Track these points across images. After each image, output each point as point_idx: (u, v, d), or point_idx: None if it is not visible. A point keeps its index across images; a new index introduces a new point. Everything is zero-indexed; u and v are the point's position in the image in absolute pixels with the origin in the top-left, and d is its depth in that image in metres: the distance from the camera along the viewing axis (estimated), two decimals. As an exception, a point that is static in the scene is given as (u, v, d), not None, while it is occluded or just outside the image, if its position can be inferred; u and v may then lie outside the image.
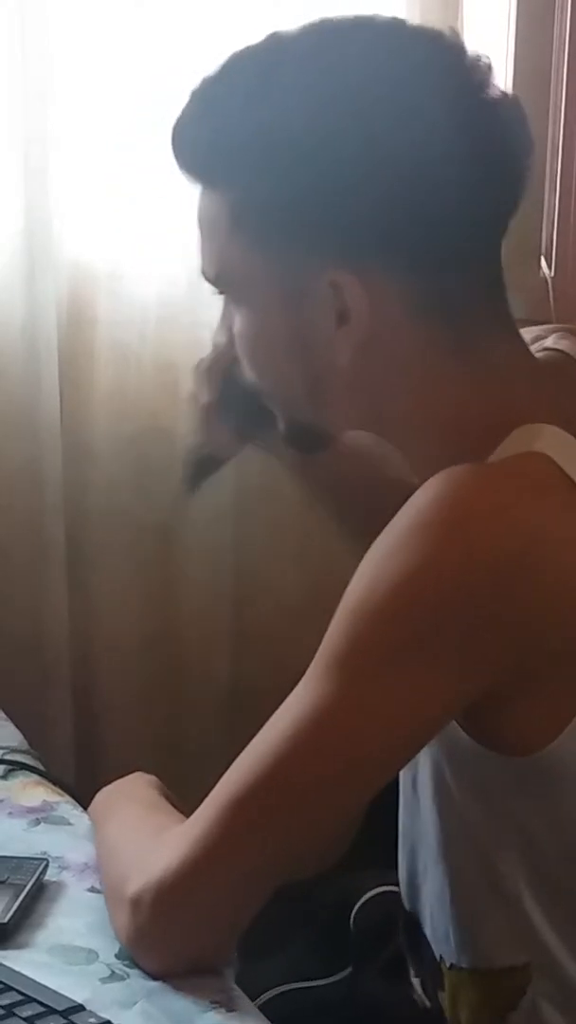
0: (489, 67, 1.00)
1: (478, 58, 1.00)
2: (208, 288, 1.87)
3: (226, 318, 1.08)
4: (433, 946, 1.12)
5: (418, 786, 1.11)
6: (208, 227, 1.03)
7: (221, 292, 1.07)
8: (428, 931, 1.13)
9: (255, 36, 1.01)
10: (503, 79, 2.05)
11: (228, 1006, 0.94)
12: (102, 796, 1.19)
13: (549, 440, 0.96)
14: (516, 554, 0.92)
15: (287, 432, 1.11)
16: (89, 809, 1.19)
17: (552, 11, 2.02)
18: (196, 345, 1.92)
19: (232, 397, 1.16)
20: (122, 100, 1.86)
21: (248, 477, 1.97)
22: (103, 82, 1.85)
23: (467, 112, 0.98)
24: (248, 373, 1.07)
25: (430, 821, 1.09)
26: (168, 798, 1.16)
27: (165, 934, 0.97)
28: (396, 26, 1.03)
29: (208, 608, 1.99)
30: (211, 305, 1.89)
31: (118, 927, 1.00)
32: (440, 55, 1.00)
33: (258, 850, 0.96)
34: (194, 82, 1.01)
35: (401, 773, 1.12)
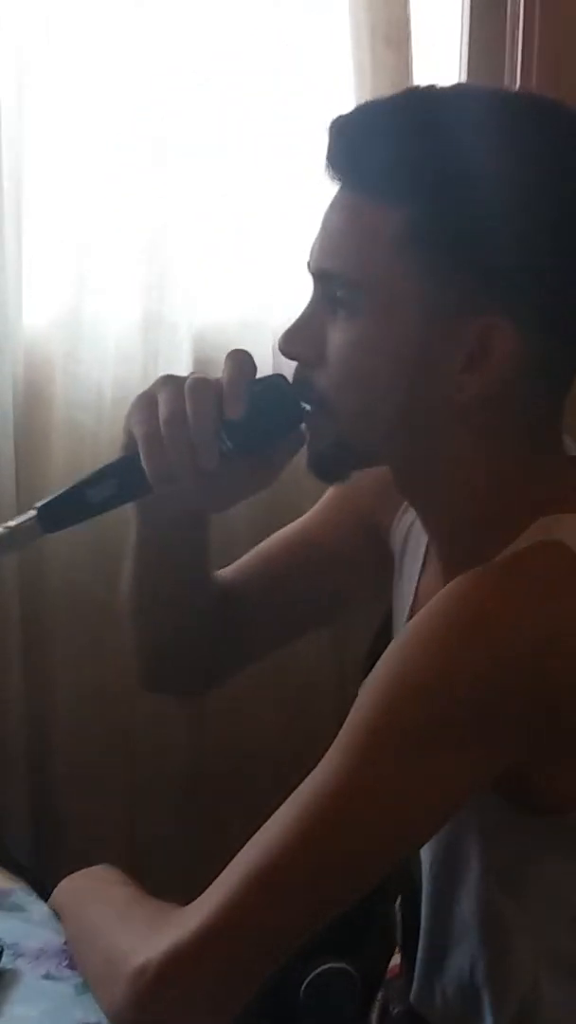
0: None
1: None
2: (164, 368, 1.89)
3: (314, 323, 1.06)
4: None
5: (449, 868, 1.12)
6: (364, 233, 1.03)
7: (341, 301, 1.04)
8: (441, 1013, 1.16)
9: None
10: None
11: None
12: (74, 882, 1.17)
13: (567, 528, 1.02)
14: (532, 652, 0.97)
15: (326, 452, 1.09)
16: (54, 896, 1.18)
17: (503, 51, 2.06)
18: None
19: (254, 414, 1.08)
20: (80, 186, 1.87)
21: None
22: (60, 166, 1.87)
23: None
24: (333, 385, 1.05)
25: (463, 901, 1.12)
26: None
27: (167, 1003, 0.96)
28: None
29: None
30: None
31: (115, 1001, 0.98)
32: None
33: (271, 927, 0.97)
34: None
35: (426, 857, 1.14)
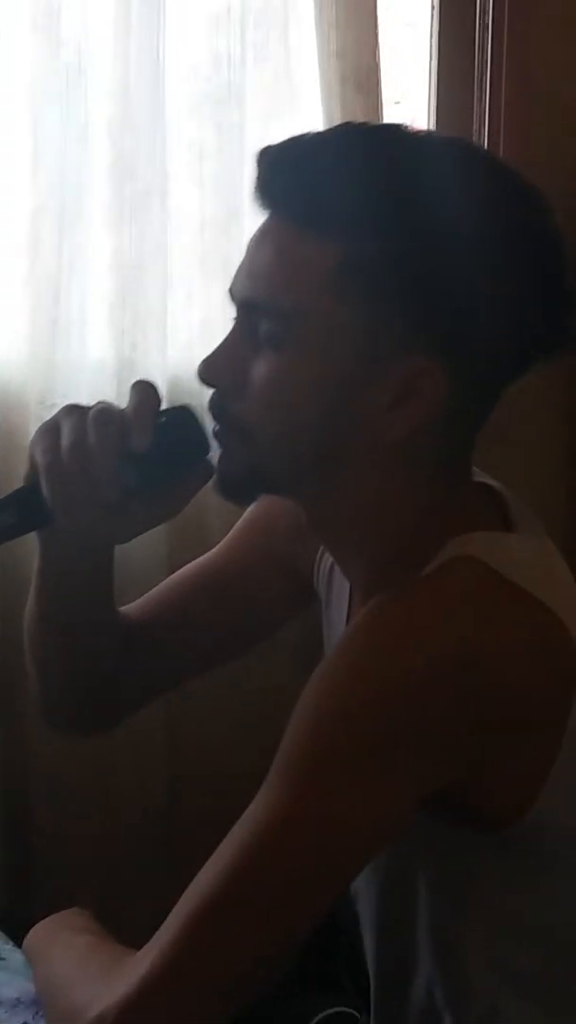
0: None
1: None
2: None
3: (236, 352, 1.05)
4: None
5: (396, 893, 1.12)
6: (296, 266, 1.01)
7: (268, 333, 1.03)
8: None
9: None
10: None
11: None
12: (40, 929, 1.17)
13: (477, 544, 1.03)
14: (452, 667, 0.97)
15: (236, 477, 1.08)
16: (25, 943, 1.17)
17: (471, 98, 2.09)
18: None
19: (161, 446, 1.07)
20: (52, 229, 1.88)
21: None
22: (33, 209, 1.87)
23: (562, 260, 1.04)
24: (254, 416, 1.04)
25: (415, 925, 1.11)
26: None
27: None
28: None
29: (142, 732, 1.97)
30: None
31: None
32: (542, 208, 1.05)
33: (222, 964, 0.95)
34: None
35: (371, 888, 1.14)
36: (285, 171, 1.02)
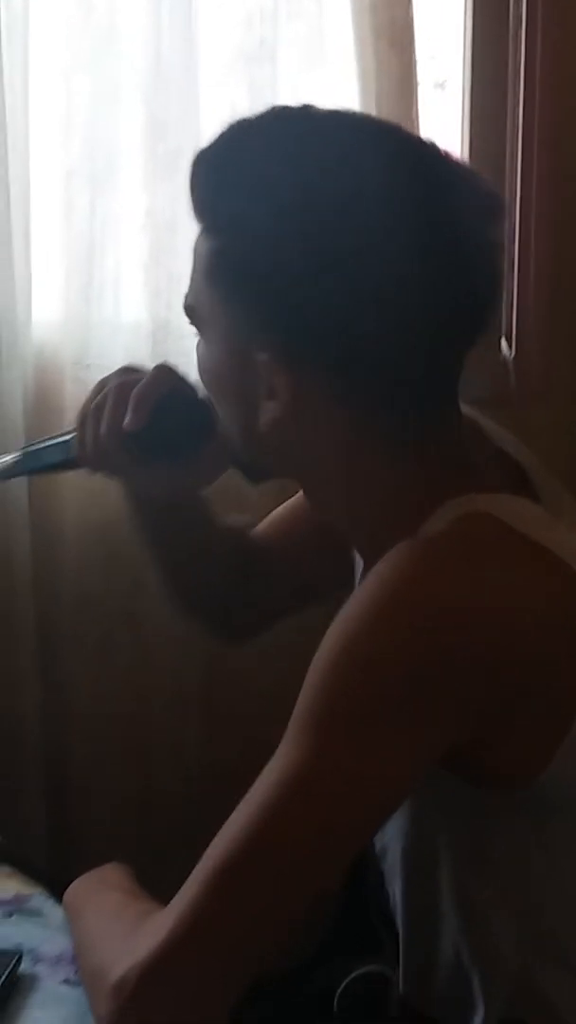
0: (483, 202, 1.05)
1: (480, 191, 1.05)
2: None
3: (198, 345, 1.13)
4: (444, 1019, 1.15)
5: (421, 856, 1.13)
6: (195, 261, 1.09)
7: (190, 323, 1.12)
8: (434, 1003, 1.16)
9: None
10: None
11: None
12: (77, 887, 1.18)
13: (482, 503, 1.03)
14: (461, 620, 0.97)
15: (234, 460, 1.15)
16: (63, 900, 1.18)
17: (504, 98, 2.07)
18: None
19: (154, 429, 1.16)
20: (87, 190, 1.87)
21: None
22: (67, 170, 1.87)
23: (439, 245, 1.02)
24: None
25: (439, 888, 1.12)
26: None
27: (150, 1015, 0.96)
28: (396, 138, 1.08)
29: (178, 694, 1.99)
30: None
31: (100, 1014, 0.98)
32: (444, 183, 1.04)
33: (244, 923, 0.96)
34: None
35: (396, 848, 1.15)
36: (192, 168, 1.07)
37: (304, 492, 1.16)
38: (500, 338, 2.10)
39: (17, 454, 1.29)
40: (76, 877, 1.20)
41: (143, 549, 1.37)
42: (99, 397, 1.19)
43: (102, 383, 1.20)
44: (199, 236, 1.08)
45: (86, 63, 1.85)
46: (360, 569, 1.20)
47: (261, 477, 1.18)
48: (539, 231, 2.06)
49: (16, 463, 1.28)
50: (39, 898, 1.23)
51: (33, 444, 1.30)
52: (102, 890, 1.14)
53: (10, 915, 1.20)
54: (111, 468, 1.21)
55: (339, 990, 1.26)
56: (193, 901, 0.96)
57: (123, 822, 1.98)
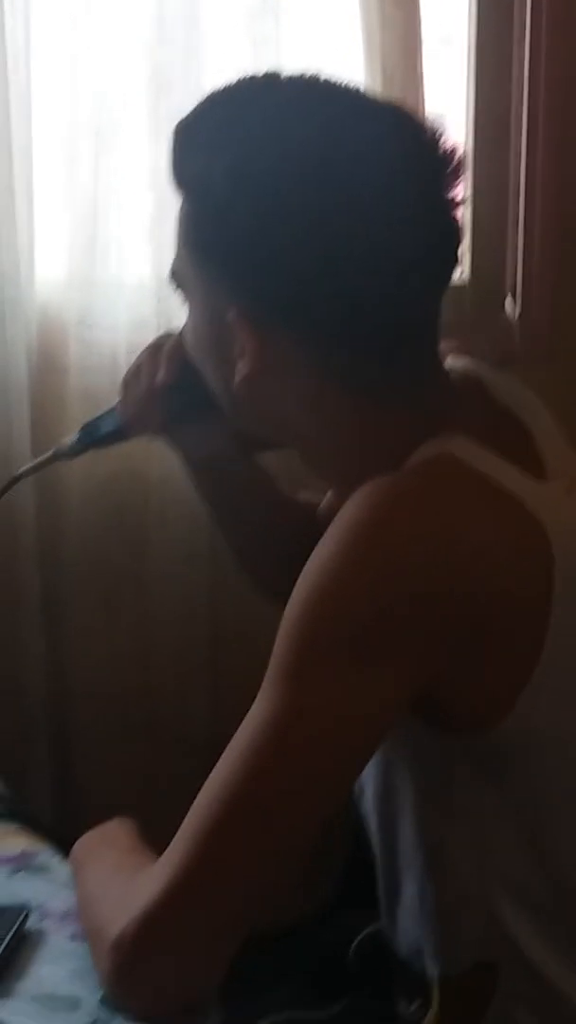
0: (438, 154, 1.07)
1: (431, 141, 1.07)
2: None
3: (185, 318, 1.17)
4: (411, 962, 1.15)
5: (388, 798, 1.14)
6: (177, 226, 1.12)
7: (175, 288, 1.15)
8: (403, 947, 1.16)
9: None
10: (464, 120, 2.08)
11: (213, 1050, 0.94)
12: (81, 843, 1.19)
13: (454, 444, 1.04)
14: (429, 554, 0.98)
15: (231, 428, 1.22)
16: (69, 857, 1.19)
17: (510, 54, 2.05)
18: (167, 390, 1.93)
19: (185, 384, 1.21)
20: (88, 148, 1.87)
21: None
22: (70, 127, 1.86)
23: (395, 200, 1.04)
24: None
25: (404, 830, 1.13)
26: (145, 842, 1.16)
27: (149, 970, 0.97)
28: (352, 97, 1.09)
29: (183, 652, 1.99)
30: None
31: (102, 972, 1.00)
32: (397, 143, 1.06)
33: (234, 873, 0.97)
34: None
35: (369, 791, 1.16)
36: (171, 137, 1.10)
37: (299, 453, 1.17)
38: (505, 297, 2.09)
39: (75, 433, 1.36)
40: (81, 833, 1.20)
41: (213, 522, 1.43)
42: (134, 362, 1.27)
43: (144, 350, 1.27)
44: (181, 207, 1.11)
45: (89, 19, 1.83)
46: None
47: (254, 446, 1.26)
48: (544, 189, 2.05)
49: (76, 441, 1.35)
50: (46, 855, 1.23)
51: (90, 418, 1.36)
52: (103, 848, 1.15)
53: (17, 872, 1.20)
54: (154, 429, 1.28)
55: (352, 947, 1.28)
56: (183, 855, 0.97)
57: (128, 785, 1.98)
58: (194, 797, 2.14)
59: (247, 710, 1.98)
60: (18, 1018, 0.96)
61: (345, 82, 1.09)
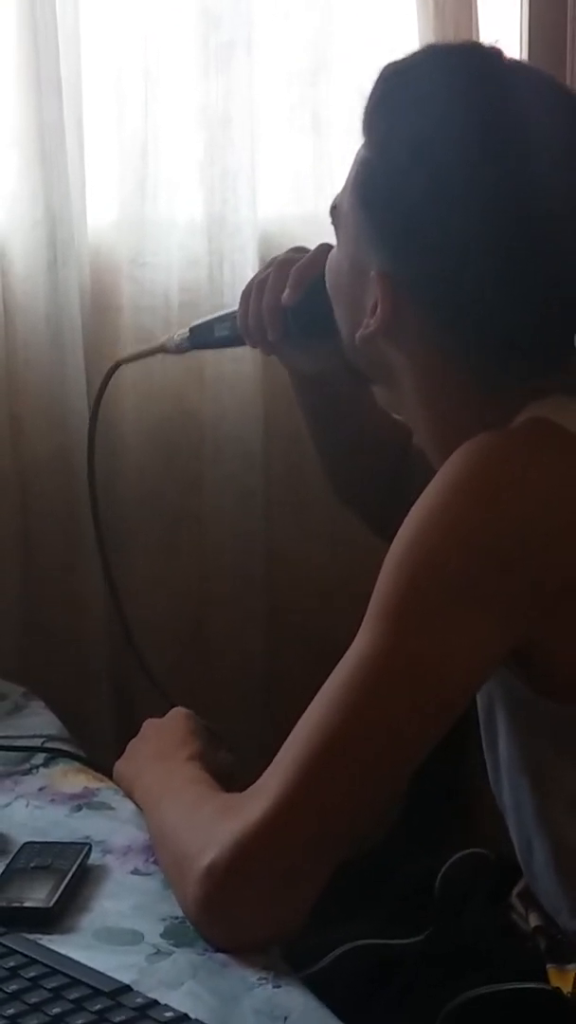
0: None
1: None
2: (229, 272, 1.92)
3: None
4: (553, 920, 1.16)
5: (501, 759, 1.15)
6: (352, 165, 1.14)
7: (331, 222, 1.18)
8: (545, 905, 1.18)
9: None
10: (519, 45, 2.05)
11: (274, 982, 0.95)
12: (144, 765, 1.21)
13: (550, 408, 1.07)
14: (536, 508, 1.02)
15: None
16: (120, 773, 1.22)
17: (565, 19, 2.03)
18: (220, 329, 1.93)
19: (308, 306, 1.25)
20: (139, 86, 1.85)
21: (276, 459, 1.97)
22: (119, 67, 1.85)
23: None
24: None
25: (522, 789, 1.14)
26: (208, 733, 1.25)
27: (242, 898, 0.98)
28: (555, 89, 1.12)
29: (240, 591, 2.00)
30: (233, 288, 1.92)
31: (191, 901, 1.01)
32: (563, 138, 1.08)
33: (333, 802, 0.99)
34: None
35: (485, 753, 1.18)
36: (376, 77, 1.12)
37: (399, 408, 1.23)
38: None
39: (184, 331, 1.41)
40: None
41: (308, 433, 1.45)
42: (263, 273, 1.30)
43: (270, 261, 1.31)
44: (358, 152, 1.13)
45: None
46: None
47: (363, 379, 1.27)
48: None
49: (186, 339, 1.41)
50: (107, 792, 1.25)
51: (201, 320, 1.41)
52: (180, 781, 1.16)
53: (79, 809, 1.22)
54: (269, 343, 1.32)
55: (441, 871, 1.29)
56: (282, 784, 0.99)
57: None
58: (251, 734, 2.16)
59: (302, 647, 1.99)
60: (81, 952, 0.98)
61: (541, 73, 1.14)
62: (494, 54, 1.11)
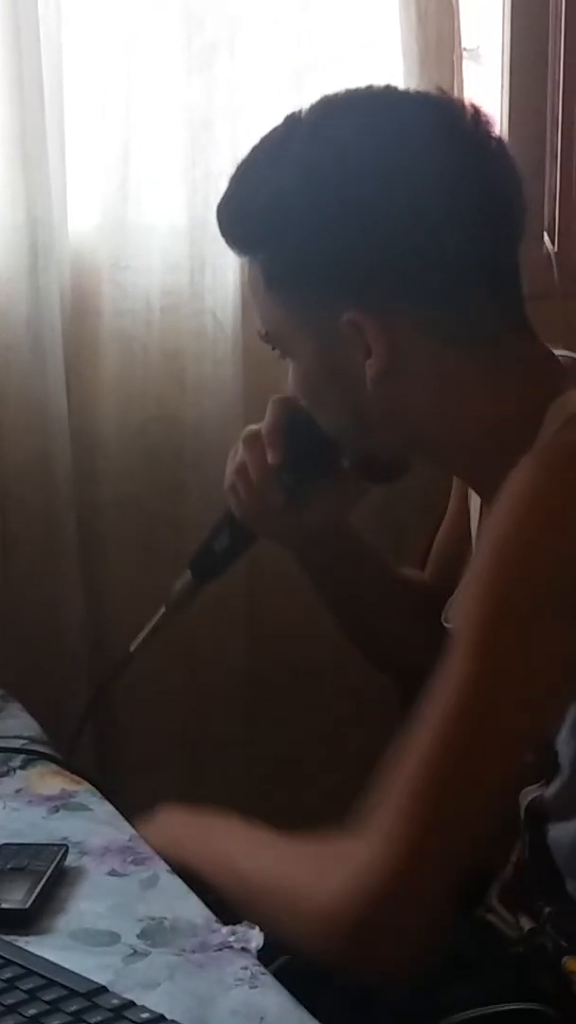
0: (486, 121, 1.14)
1: (476, 113, 1.14)
2: (211, 275, 1.91)
3: (290, 374, 1.22)
4: None
5: None
6: (252, 291, 1.19)
7: (274, 349, 1.21)
8: None
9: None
10: (500, 54, 2.05)
11: (251, 983, 0.95)
12: (190, 827, 1.20)
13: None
14: None
15: (355, 464, 1.26)
16: (161, 840, 1.18)
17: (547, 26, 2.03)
18: (200, 332, 1.92)
19: (297, 456, 1.27)
20: (121, 89, 1.85)
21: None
22: (101, 69, 1.85)
23: (460, 163, 1.12)
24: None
25: None
26: None
27: (385, 933, 0.98)
28: (389, 92, 1.19)
29: (221, 596, 1.99)
30: (215, 292, 1.92)
31: (319, 941, 1.01)
32: (434, 114, 1.15)
33: (462, 826, 1.00)
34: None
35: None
36: (217, 217, 1.21)
37: (425, 455, 1.22)
38: (542, 233, 2.07)
39: (184, 577, 1.40)
40: (122, 775, 1.21)
41: (331, 616, 1.46)
42: (235, 459, 1.32)
43: (233, 453, 1.32)
44: (248, 266, 1.18)
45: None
46: (477, 508, 1.27)
47: (386, 472, 1.27)
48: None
49: (190, 579, 1.40)
50: (85, 794, 1.25)
51: (192, 557, 1.39)
52: (244, 832, 1.15)
53: (56, 811, 1.21)
54: (273, 521, 1.32)
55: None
56: (399, 820, 0.99)
57: (168, 727, 1.99)
58: (232, 739, 2.15)
59: (283, 651, 1.99)
60: (57, 953, 0.97)
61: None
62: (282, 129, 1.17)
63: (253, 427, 1.31)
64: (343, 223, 1.10)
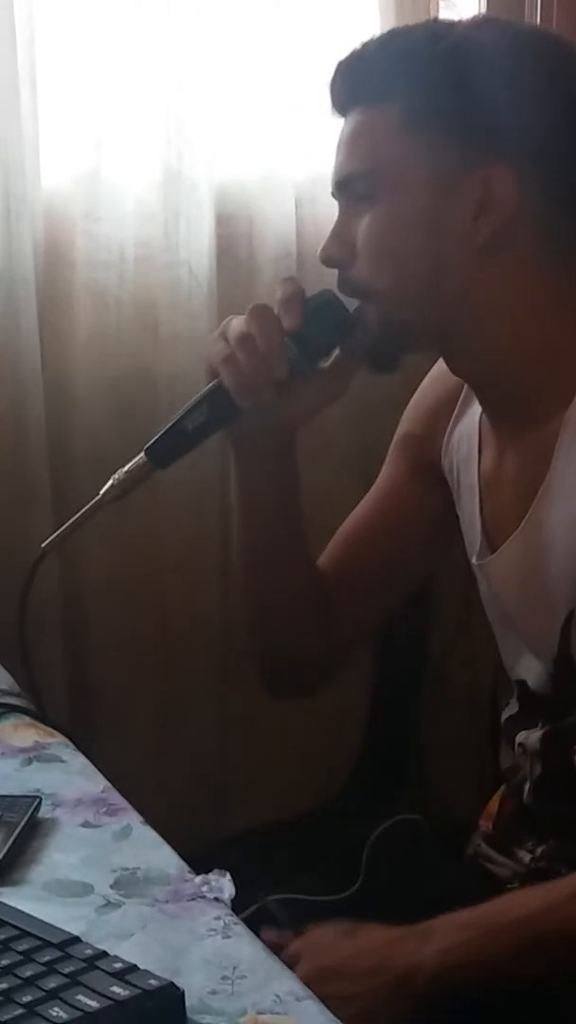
0: None
1: None
2: (185, 226, 1.89)
3: (343, 229, 1.21)
4: None
5: None
6: (368, 133, 1.19)
7: (360, 196, 1.19)
8: None
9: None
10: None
11: (224, 933, 0.96)
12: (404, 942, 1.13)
13: None
14: None
15: (366, 337, 1.23)
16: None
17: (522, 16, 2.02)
18: (175, 285, 1.92)
19: (310, 324, 1.24)
20: (98, 40, 1.84)
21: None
22: (76, 19, 1.83)
23: None
24: (367, 271, 1.20)
25: None
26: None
27: None
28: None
29: (195, 546, 2.00)
30: (189, 243, 1.91)
31: None
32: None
33: None
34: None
35: None
36: (346, 71, 1.21)
37: (455, 346, 1.23)
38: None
39: (138, 457, 1.33)
40: (96, 727, 1.21)
41: (243, 546, 1.42)
42: (235, 330, 1.24)
43: (219, 330, 1.26)
44: (365, 116, 1.19)
45: None
46: (475, 438, 1.28)
47: (385, 359, 1.24)
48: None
49: (146, 461, 1.33)
50: (59, 746, 1.24)
51: (154, 438, 1.32)
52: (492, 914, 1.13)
53: (29, 762, 1.21)
54: (269, 386, 1.24)
55: (369, 841, 1.29)
56: None
57: (142, 678, 2.00)
58: (206, 689, 2.15)
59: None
60: (30, 903, 0.98)
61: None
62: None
63: (257, 303, 1.26)
64: (518, 84, 1.14)
